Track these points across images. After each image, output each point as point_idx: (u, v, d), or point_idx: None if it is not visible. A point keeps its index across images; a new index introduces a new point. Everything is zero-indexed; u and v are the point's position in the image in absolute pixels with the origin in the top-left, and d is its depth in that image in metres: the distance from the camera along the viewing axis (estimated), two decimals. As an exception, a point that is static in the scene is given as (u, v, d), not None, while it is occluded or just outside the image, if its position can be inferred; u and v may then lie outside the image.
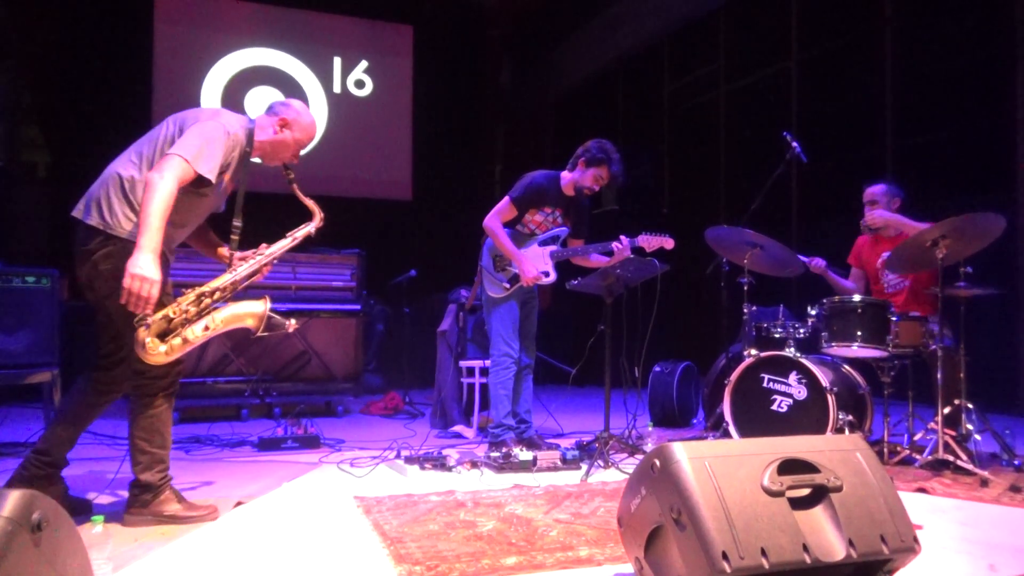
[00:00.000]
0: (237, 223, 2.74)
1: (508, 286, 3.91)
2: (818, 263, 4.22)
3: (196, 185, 2.52)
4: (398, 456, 3.61)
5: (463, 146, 9.63)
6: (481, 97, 9.97)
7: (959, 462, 3.35)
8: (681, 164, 8.24)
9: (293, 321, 2.74)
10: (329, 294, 5.52)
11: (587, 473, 3.34)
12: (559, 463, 3.48)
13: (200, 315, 2.52)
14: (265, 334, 2.68)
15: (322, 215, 2.91)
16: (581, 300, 5.34)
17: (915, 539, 1.85)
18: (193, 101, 8.11)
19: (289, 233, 2.85)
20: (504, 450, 3.55)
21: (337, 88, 8.85)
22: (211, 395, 5.12)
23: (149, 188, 2.38)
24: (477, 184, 9.65)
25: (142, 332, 2.39)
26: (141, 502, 2.59)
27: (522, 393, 4.07)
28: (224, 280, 2.64)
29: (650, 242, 3.86)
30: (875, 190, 4.17)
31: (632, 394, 4.23)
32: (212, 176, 2.52)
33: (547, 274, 3.94)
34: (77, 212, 2.55)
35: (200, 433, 4.41)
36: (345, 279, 5.58)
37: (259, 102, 8.43)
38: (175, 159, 2.44)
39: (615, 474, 3.41)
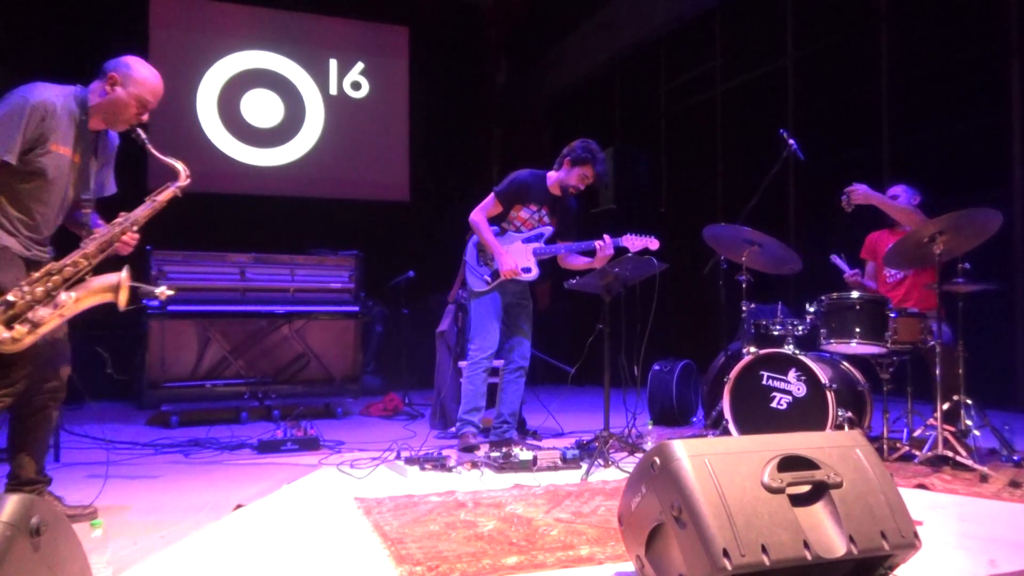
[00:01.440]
0: (86, 196, 2.59)
1: (489, 279, 3.93)
2: (852, 275, 4.27)
3: (13, 169, 2.40)
4: (398, 457, 3.61)
5: (460, 147, 9.62)
6: (478, 98, 9.96)
7: (958, 458, 3.36)
8: (678, 163, 8.24)
9: (163, 288, 2.57)
10: (327, 296, 5.52)
11: (587, 472, 3.34)
12: (559, 462, 3.48)
13: (49, 296, 2.37)
14: (132, 307, 2.50)
15: (187, 174, 2.68)
16: (580, 299, 5.35)
17: (915, 535, 1.85)
18: (189, 105, 8.10)
19: (150, 197, 2.62)
20: (504, 450, 3.55)
21: (333, 90, 8.84)
22: (210, 398, 5.11)
23: None
24: (475, 185, 9.64)
25: None
26: None
27: (512, 395, 4.07)
28: (71, 256, 2.45)
29: (634, 242, 3.85)
30: (896, 189, 4.24)
31: (631, 393, 4.23)
32: (10, 157, 2.37)
33: (528, 270, 3.96)
34: None
35: (199, 436, 4.41)
36: (343, 281, 5.57)
37: (255, 105, 8.43)
38: None
39: (615, 473, 3.41)
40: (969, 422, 3.54)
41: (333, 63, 8.84)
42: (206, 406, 5.10)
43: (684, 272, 5.11)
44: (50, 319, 2.36)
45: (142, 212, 2.61)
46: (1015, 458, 3.49)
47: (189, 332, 5.12)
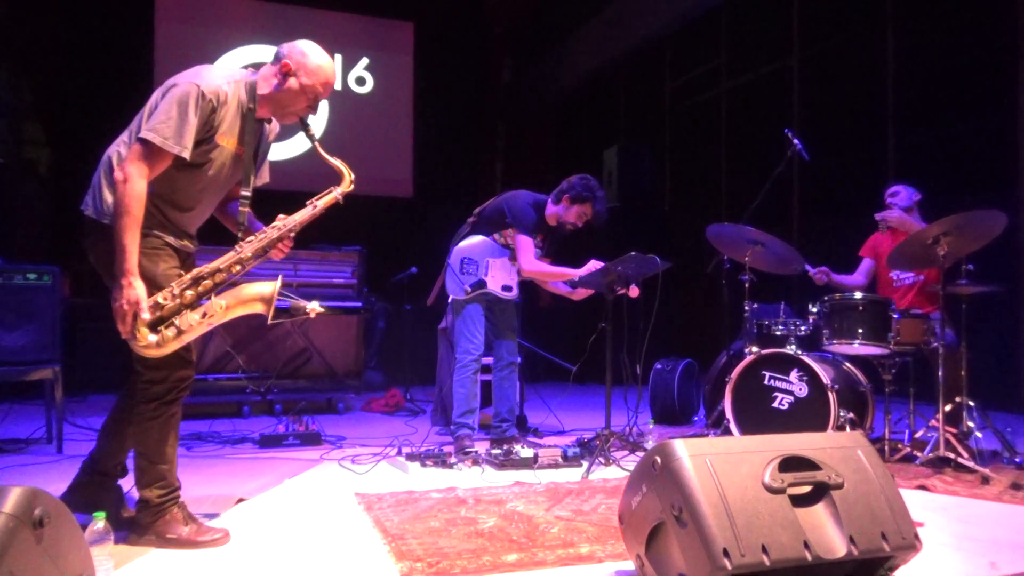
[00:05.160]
0: (245, 192, 2.40)
1: (469, 289, 3.92)
2: (820, 275, 4.22)
3: (179, 161, 2.25)
4: (399, 453, 3.62)
5: (464, 143, 9.61)
6: (482, 94, 9.95)
7: (960, 459, 3.35)
8: (682, 161, 8.23)
9: (315, 304, 2.40)
10: (330, 291, 5.51)
11: (588, 470, 3.34)
12: (560, 460, 3.48)
13: (199, 300, 2.25)
14: (280, 320, 2.35)
15: (352, 178, 2.51)
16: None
17: (916, 536, 1.85)
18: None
19: (311, 201, 2.46)
20: (505, 447, 3.56)
21: (338, 85, 8.82)
22: (212, 392, 5.11)
23: (115, 196, 2.17)
24: (478, 181, 9.64)
25: None
26: (142, 523, 2.34)
27: (506, 391, 4.08)
28: (226, 259, 2.31)
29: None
30: (895, 188, 4.21)
31: (633, 391, 4.23)
32: (185, 152, 2.21)
33: (508, 288, 3.98)
34: (83, 205, 2.33)
35: (201, 430, 4.42)
36: (346, 276, 5.57)
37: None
38: (138, 147, 2.18)
39: (616, 471, 3.41)
40: (971, 424, 3.54)
41: (338, 58, 8.82)
42: (208, 400, 5.10)
43: (687, 271, 5.11)
44: (198, 326, 2.23)
45: (302, 217, 2.44)
46: (1017, 460, 3.49)
47: (192, 326, 5.12)
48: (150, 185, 2.23)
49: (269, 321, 2.33)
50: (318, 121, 8.67)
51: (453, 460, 3.50)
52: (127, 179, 2.16)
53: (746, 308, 4.09)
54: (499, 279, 3.96)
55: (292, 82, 2.38)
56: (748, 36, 7.38)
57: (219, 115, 2.29)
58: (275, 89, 2.39)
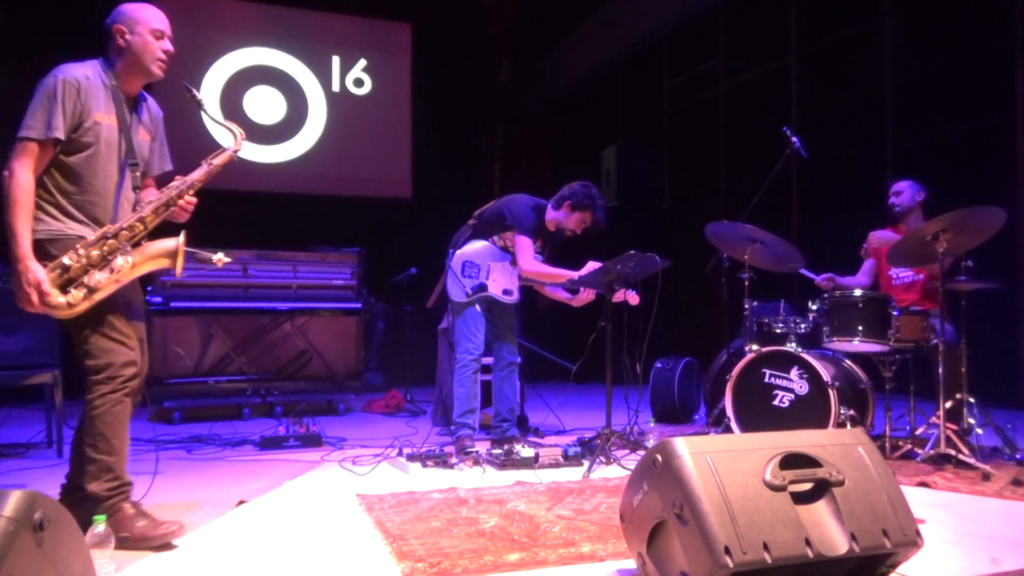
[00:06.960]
0: (132, 160, 2.52)
1: (471, 292, 3.92)
2: (827, 283, 4.22)
3: (63, 148, 2.37)
4: (400, 454, 3.62)
5: (463, 144, 9.60)
6: (480, 95, 9.94)
7: (961, 456, 3.35)
8: (681, 160, 8.23)
9: (221, 255, 2.52)
10: (330, 293, 5.52)
11: (589, 469, 3.34)
12: (561, 459, 3.48)
13: (105, 260, 2.33)
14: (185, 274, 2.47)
15: (243, 135, 2.65)
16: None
17: (917, 533, 1.85)
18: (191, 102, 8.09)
19: (205, 159, 2.56)
20: (506, 447, 3.56)
21: (336, 87, 8.83)
22: (212, 394, 5.12)
23: (2, 191, 2.29)
24: (477, 182, 9.64)
25: None
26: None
27: (506, 392, 4.09)
28: (127, 219, 2.40)
29: (616, 294, 3.84)
30: (901, 185, 4.21)
31: (633, 390, 4.22)
32: (59, 133, 2.33)
33: (509, 292, 4.00)
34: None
35: (202, 432, 4.42)
36: (345, 277, 5.58)
37: (258, 101, 8.43)
38: (17, 146, 2.32)
39: (617, 470, 3.41)
40: (972, 420, 3.54)
41: (336, 60, 8.82)
42: (209, 402, 5.10)
43: (686, 270, 5.11)
44: (106, 284, 2.31)
45: (198, 175, 2.53)
46: (1017, 456, 3.49)
47: (192, 329, 5.13)
48: (54, 184, 2.38)
49: (177, 273, 2.43)
50: (316, 122, 8.67)
51: (454, 460, 3.50)
52: (12, 174, 2.30)
53: (746, 306, 4.09)
54: (500, 283, 3.97)
55: (131, 39, 2.51)
56: (746, 35, 7.39)
57: (85, 94, 2.41)
58: (124, 56, 2.51)
